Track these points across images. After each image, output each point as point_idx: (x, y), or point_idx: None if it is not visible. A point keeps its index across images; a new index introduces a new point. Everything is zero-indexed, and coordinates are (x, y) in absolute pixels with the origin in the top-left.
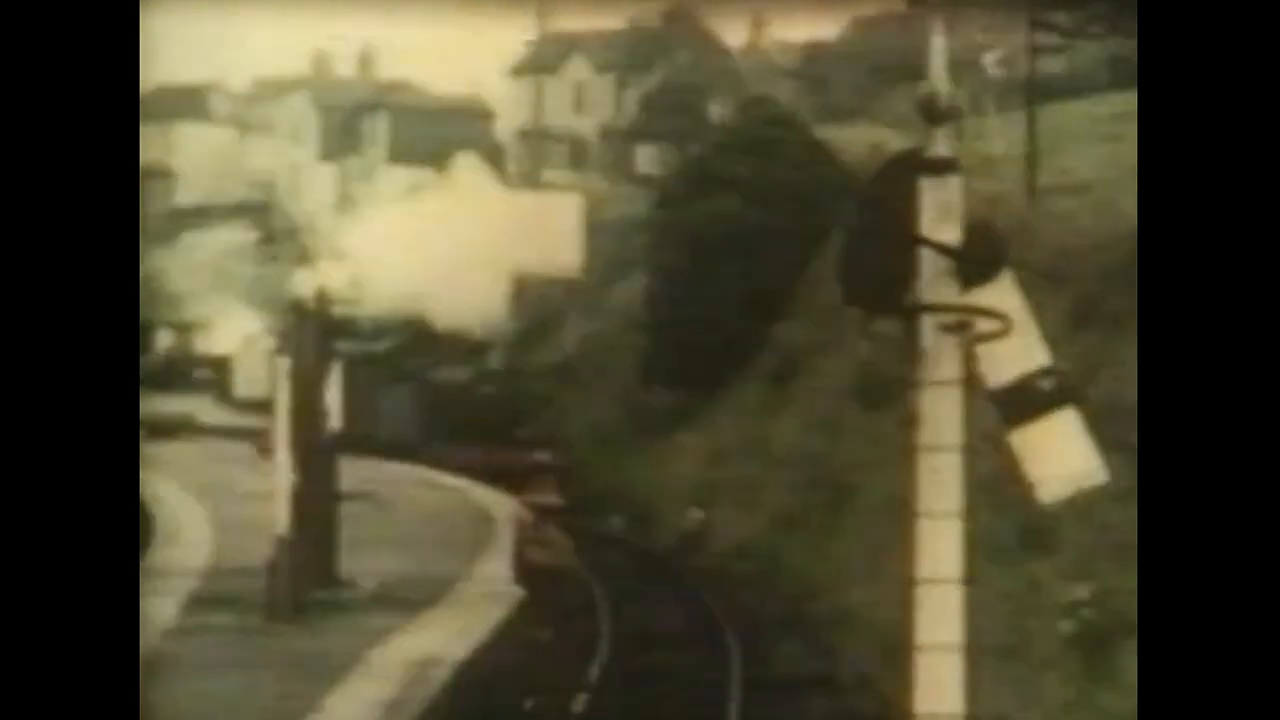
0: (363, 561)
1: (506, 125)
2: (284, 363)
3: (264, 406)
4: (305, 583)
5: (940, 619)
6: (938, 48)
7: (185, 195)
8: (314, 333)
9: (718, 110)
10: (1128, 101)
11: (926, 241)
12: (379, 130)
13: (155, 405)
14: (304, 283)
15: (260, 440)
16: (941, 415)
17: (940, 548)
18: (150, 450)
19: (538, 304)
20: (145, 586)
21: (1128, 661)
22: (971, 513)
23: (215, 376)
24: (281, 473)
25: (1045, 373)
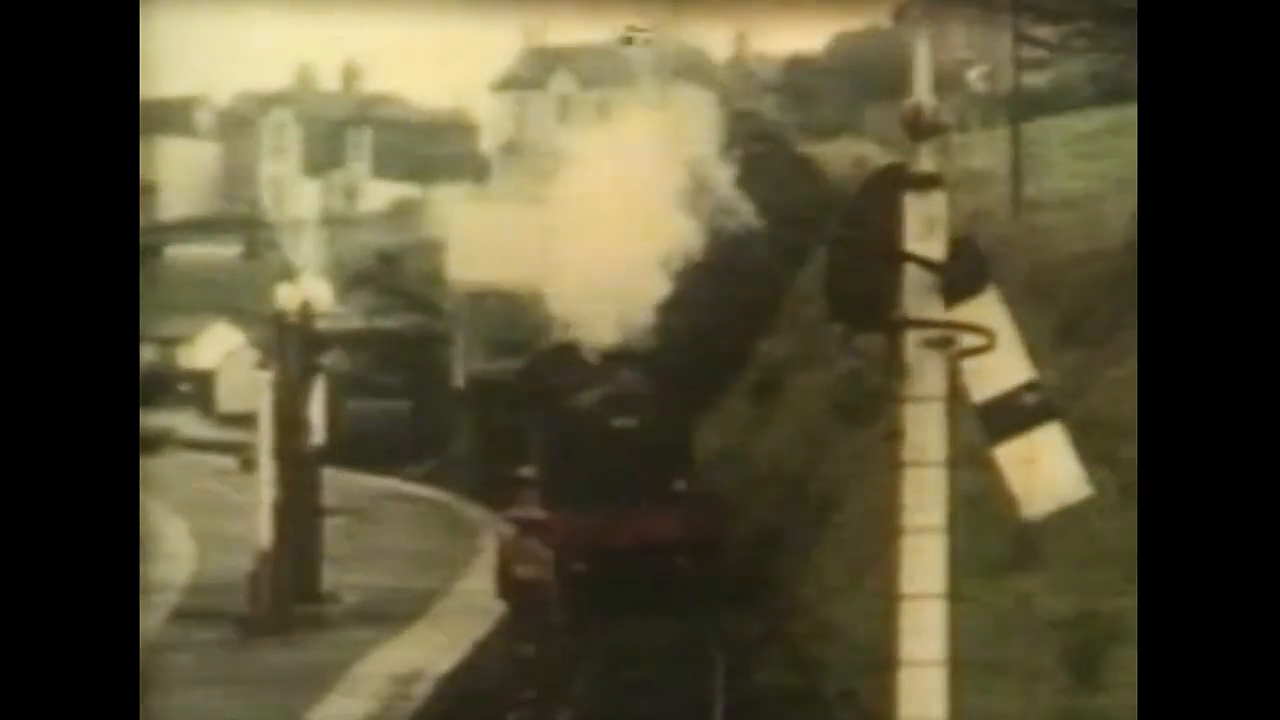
0: (345, 575)
1: (490, 140)
2: (266, 376)
3: (247, 420)
4: (288, 597)
5: (924, 634)
6: (922, 62)
7: (168, 209)
8: (297, 346)
9: None
10: (1111, 116)
11: (910, 256)
12: (363, 144)
13: None
14: (287, 296)
15: (243, 454)
16: (925, 430)
17: (924, 563)
18: None
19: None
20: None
21: (1115, 675)
22: (955, 528)
23: (198, 390)
24: (264, 487)
25: (1029, 388)
